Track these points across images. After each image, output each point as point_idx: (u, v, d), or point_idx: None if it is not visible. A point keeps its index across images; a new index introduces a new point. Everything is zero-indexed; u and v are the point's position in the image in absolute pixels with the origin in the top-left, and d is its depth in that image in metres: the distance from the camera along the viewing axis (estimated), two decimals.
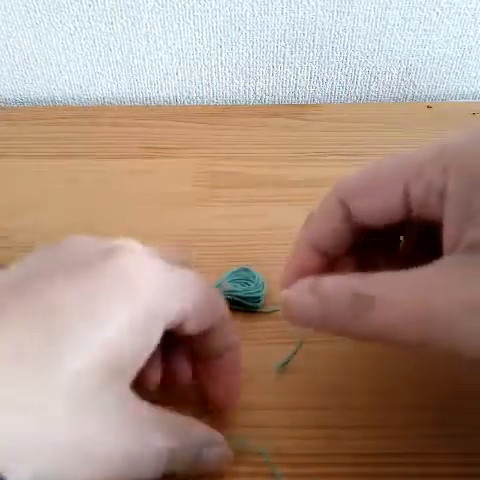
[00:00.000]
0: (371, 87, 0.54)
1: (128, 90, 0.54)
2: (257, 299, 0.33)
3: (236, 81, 0.53)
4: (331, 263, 0.25)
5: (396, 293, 0.20)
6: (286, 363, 0.30)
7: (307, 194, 0.42)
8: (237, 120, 0.49)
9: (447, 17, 0.49)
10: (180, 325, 0.23)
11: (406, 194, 0.22)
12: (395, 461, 0.27)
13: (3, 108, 0.53)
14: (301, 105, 0.54)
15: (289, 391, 0.30)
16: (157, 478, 0.21)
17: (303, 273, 0.24)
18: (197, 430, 0.23)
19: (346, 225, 0.24)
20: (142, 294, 0.20)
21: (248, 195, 0.42)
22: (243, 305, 0.33)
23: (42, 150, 0.46)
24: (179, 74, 0.53)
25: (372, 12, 0.49)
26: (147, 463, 0.20)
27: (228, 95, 0.54)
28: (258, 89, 0.54)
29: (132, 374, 0.21)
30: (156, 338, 0.21)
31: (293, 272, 0.25)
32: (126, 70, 0.52)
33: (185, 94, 0.54)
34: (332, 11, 0.48)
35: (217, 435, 0.24)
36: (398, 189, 0.22)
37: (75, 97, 0.54)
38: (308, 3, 0.48)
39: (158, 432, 0.21)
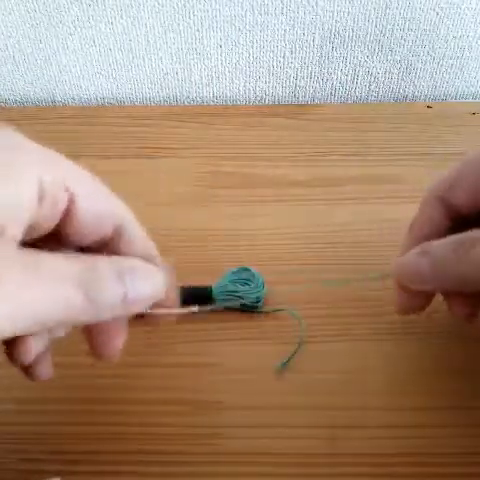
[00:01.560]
0: (371, 87, 0.54)
1: (128, 90, 0.54)
2: (257, 299, 0.33)
3: (236, 81, 0.53)
4: None
5: None
6: (286, 363, 0.30)
7: (307, 194, 0.42)
8: (237, 120, 0.49)
9: (447, 17, 0.49)
10: (68, 213, 0.20)
11: None
12: (395, 461, 0.27)
13: (3, 108, 0.53)
14: (301, 105, 0.54)
15: (289, 391, 0.30)
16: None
17: None
18: (110, 258, 0.21)
19: (445, 217, 0.27)
20: None
21: (248, 195, 0.42)
22: (243, 305, 0.33)
23: None
24: (179, 74, 0.53)
25: (372, 12, 0.49)
26: (58, 312, 0.18)
27: (228, 95, 0.54)
28: (258, 89, 0.54)
29: (13, 232, 0.19)
30: (23, 194, 0.19)
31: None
32: (126, 70, 0.52)
33: (185, 94, 0.54)
34: (332, 11, 0.48)
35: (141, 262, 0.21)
36: None
37: (75, 97, 0.54)
38: (308, 3, 0.48)
39: (60, 273, 0.18)
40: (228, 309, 0.33)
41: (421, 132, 0.48)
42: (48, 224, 0.20)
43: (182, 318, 0.33)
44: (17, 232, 0.19)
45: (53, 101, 0.54)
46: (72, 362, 0.31)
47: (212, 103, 0.55)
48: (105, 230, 0.22)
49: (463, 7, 0.48)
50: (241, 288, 0.33)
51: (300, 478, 0.26)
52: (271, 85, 0.53)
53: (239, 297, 0.33)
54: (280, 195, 0.42)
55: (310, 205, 0.41)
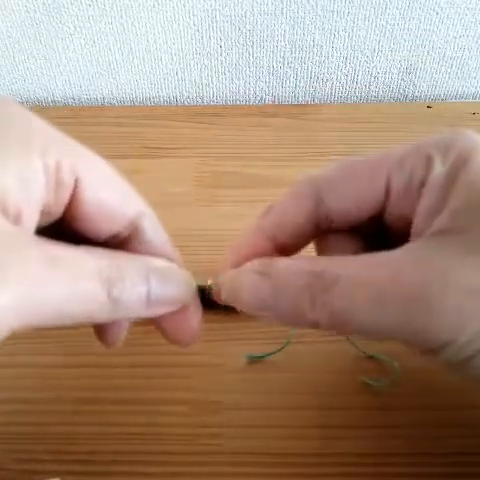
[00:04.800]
0: (371, 87, 0.54)
1: (128, 90, 0.54)
2: None
3: (236, 81, 0.53)
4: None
5: (363, 270, 0.18)
6: (260, 357, 0.30)
7: None
8: (237, 120, 0.49)
9: (447, 17, 0.49)
10: (74, 199, 0.19)
11: (387, 185, 0.22)
12: (395, 461, 0.27)
13: None
14: (301, 105, 0.54)
15: (290, 391, 0.30)
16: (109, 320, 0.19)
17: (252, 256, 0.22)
18: (136, 256, 0.20)
19: (312, 220, 0.22)
20: None
21: (248, 195, 0.42)
22: None
23: None
24: (179, 74, 0.53)
25: (372, 12, 0.49)
26: (80, 306, 0.17)
27: (228, 95, 0.54)
28: (258, 89, 0.54)
29: (27, 220, 0.18)
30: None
31: (241, 255, 0.23)
32: (126, 70, 0.52)
33: (185, 94, 0.54)
34: (332, 11, 0.48)
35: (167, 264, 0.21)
36: (381, 179, 0.22)
37: (75, 97, 0.54)
38: (308, 3, 0.48)
39: (86, 264, 0.18)
40: (228, 309, 0.33)
41: (421, 132, 0.48)
42: (55, 210, 0.19)
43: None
44: (32, 217, 0.18)
45: (53, 101, 0.54)
46: (72, 362, 0.31)
47: (212, 103, 0.55)
48: (118, 224, 0.21)
49: (463, 7, 0.48)
50: None
51: (300, 478, 0.26)
52: (271, 85, 0.53)
53: None
54: (280, 195, 0.42)
55: None
